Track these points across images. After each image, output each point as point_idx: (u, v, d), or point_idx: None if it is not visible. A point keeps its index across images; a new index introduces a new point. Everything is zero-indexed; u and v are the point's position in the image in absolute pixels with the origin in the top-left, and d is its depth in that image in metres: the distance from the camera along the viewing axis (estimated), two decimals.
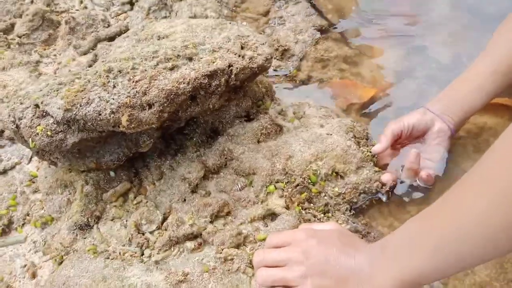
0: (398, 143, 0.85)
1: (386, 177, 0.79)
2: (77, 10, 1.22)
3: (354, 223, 0.76)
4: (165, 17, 1.19)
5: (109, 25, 1.18)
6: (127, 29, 1.17)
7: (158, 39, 0.82)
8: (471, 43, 1.05)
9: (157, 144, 0.85)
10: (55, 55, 1.13)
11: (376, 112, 0.96)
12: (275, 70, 1.03)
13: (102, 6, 1.24)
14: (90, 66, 0.86)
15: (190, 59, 0.73)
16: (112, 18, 1.22)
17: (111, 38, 1.14)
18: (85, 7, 1.23)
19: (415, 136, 0.83)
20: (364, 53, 1.06)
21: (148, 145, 0.79)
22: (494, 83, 0.78)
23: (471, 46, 1.05)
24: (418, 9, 1.14)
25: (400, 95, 0.98)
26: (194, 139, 0.85)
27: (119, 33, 1.16)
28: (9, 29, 1.17)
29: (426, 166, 0.80)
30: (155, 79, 0.69)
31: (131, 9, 1.24)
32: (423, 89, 0.99)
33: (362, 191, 0.79)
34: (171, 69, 0.71)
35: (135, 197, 0.80)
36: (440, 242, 0.50)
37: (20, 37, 1.14)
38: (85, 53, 1.11)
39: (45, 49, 1.14)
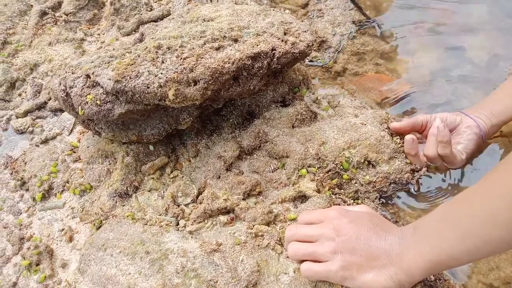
0: (424, 135, 0.86)
1: (409, 135, 0.79)
2: None
3: (383, 211, 0.77)
4: (207, 3, 1.22)
5: (151, 9, 1.22)
6: (169, 13, 1.21)
7: (204, 21, 0.85)
8: (507, 47, 1.06)
9: (195, 124, 0.88)
10: (98, 34, 1.18)
11: (409, 107, 0.97)
12: (311, 61, 1.05)
13: None
14: (136, 43, 0.89)
15: (236, 40, 0.76)
16: (155, 2, 1.26)
17: (153, 21, 1.18)
18: None
19: None
20: (400, 50, 1.08)
21: (187, 123, 0.82)
22: None
23: (508, 50, 1.05)
24: (456, 11, 1.14)
25: (434, 93, 0.99)
26: (231, 120, 0.87)
27: (161, 17, 1.20)
28: (57, 6, 1.22)
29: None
30: (202, 57, 0.72)
31: None
32: (457, 89, 1.00)
33: (392, 181, 0.80)
34: (217, 49, 0.74)
35: (171, 172, 0.83)
36: (470, 225, 0.51)
37: (67, 15, 1.19)
38: (128, 34, 1.15)
39: (89, 28, 1.19)
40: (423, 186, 0.83)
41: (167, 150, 0.86)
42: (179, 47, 0.73)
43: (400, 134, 0.86)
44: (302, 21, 1.14)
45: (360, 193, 0.79)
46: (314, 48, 1.07)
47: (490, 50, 1.06)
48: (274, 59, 0.77)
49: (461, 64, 1.04)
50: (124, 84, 0.70)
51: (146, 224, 0.73)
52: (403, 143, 0.84)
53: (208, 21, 0.85)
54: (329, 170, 0.79)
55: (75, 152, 0.93)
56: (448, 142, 0.76)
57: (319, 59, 1.06)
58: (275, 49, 0.77)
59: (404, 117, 0.95)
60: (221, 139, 0.86)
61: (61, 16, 1.19)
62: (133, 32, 1.17)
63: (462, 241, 0.52)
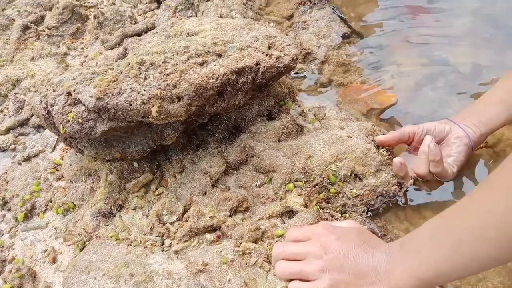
0: (412, 146, 0.85)
1: (397, 159, 0.79)
2: (105, 5, 1.25)
3: (370, 224, 0.77)
4: (191, 16, 1.21)
5: (136, 22, 1.21)
6: (153, 27, 1.20)
7: (188, 36, 0.84)
8: (491, 56, 1.06)
9: (180, 139, 0.87)
10: (82, 48, 1.16)
11: (395, 118, 0.97)
12: (297, 73, 1.05)
13: (130, 3, 1.27)
14: (119, 59, 0.88)
15: (220, 55, 0.75)
16: (139, 15, 1.25)
17: (137, 35, 1.17)
18: (113, 3, 1.26)
19: None
20: (385, 60, 1.08)
21: (172, 138, 0.81)
22: None
23: (491, 59, 1.06)
24: (440, 22, 1.15)
25: (420, 103, 0.99)
26: (216, 135, 0.86)
27: (146, 30, 1.19)
28: (39, 21, 1.20)
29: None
30: (186, 73, 0.71)
31: (158, 7, 1.27)
32: (442, 98, 1.00)
33: (379, 194, 0.80)
34: (201, 64, 0.73)
35: (156, 189, 0.81)
36: (458, 241, 0.51)
37: (49, 29, 1.18)
38: (111, 48, 1.14)
39: (72, 42, 1.17)
40: (410, 198, 0.82)
41: (152, 166, 0.85)
42: (162, 63, 0.73)
43: (387, 146, 0.86)
44: (287, 33, 1.15)
45: (348, 207, 0.78)
46: (300, 60, 1.06)
47: (474, 59, 1.06)
48: (259, 74, 0.76)
49: (445, 73, 1.05)
50: (106, 101, 0.69)
51: (130, 245, 0.71)
52: (389, 155, 0.84)
53: (192, 35, 0.84)
54: (316, 184, 0.78)
55: (58, 170, 0.91)
56: (440, 160, 0.76)
57: (304, 71, 1.05)
58: (259, 64, 0.76)
59: (391, 127, 0.95)
60: (207, 154, 0.85)
61: (44, 31, 1.18)
62: (117, 46, 1.16)
63: (449, 258, 0.51)
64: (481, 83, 1.01)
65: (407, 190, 0.82)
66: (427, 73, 1.04)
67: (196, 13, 1.21)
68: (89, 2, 1.26)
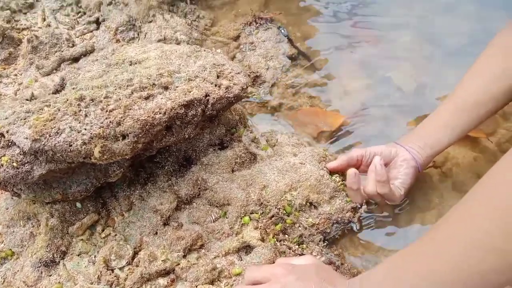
0: (361, 169, 0.86)
1: (352, 170, 0.79)
2: (39, 28, 1.17)
3: (328, 254, 0.76)
4: (133, 38, 1.16)
5: (73, 45, 1.15)
6: (92, 50, 1.14)
7: (130, 65, 0.80)
8: (432, 74, 1.10)
9: (126, 173, 0.82)
10: (15, 75, 1.08)
11: (345, 140, 0.98)
12: (247, 97, 1.03)
13: (67, 24, 1.20)
14: (57, 90, 0.82)
15: (166, 88, 0.72)
16: (77, 37, 1.18)
17: (75, 59, 1.11)
18: (49, 25, 1.19)
19: None
20: (332, 81, 1.09)
21: (117, 175, 0.76)
22: (459, 121, 0.81)
23: (432, 77, 1.10)
24: (382, 39, 1.18)
25: (367, 123, 1.01)
26: (166, 167, 0.83)
27: (85, 53, 1.12)
28: None
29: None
30: (130, 109, 0.67)
31: (97, 28, 1.20)
32: (388, 118, 1.02)
33: (335, 221, 0.79)
34: (146, 98, 0.69)
35: (103, 230, 0.76)
36: (415, 284, 0.51)
37: None
38: (48, 74, 1.07)
39: (4, 69, 1.09)
40: (364, 224, 0.83)
41: (96, 205, 0.80)
42: (104, 98, 0.68)
43: (338, 171, 0.86)
44: (234, 55, 1.13)
45: (305, 237, 0.77)
46: (249, 84, 1.05)
47: (417, 77, 1.10)
48: (209, 106, 0.73)
49: (390, 93, 1.07)
50: (43, 143, 0.64)
51: None
52: (342, 180, 0.84)
53: (135, 63, 0.80)
54: (272, 216, 0.76)
55: None
56: (386, 181, 0.77)
57: (254, 94, 1.04)
58: (209, 95, 0.73)
59: (341, 151, 0.95)
60: (157, 189, 0.81)
61: None
62: (54, 71, 1.09)
63: None
64: (424, 102, 1.04)
65: (361, 216, 0.82)
66: (372, 93, 1.06)
67: (138, 34, 1.17)
68: (22, 25, 1.18)
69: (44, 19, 1.21)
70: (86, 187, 0.75)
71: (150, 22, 1.15)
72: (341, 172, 0.85)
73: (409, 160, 0.82)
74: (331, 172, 0.85)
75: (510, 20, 0.85)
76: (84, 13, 1.23)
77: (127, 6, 1.16)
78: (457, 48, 1.14)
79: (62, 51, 1.11)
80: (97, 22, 1.20)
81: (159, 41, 1.12)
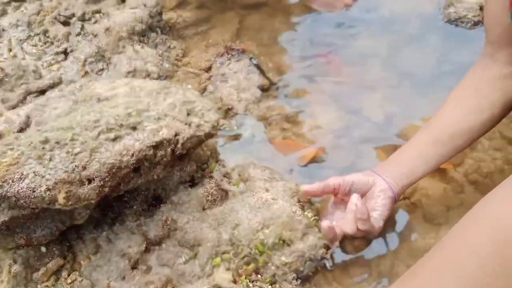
0: (338, 198, 0.86)
1: (325, 223, 0.79)
2: (5, 59, 1.14)
3: None
4: (102, 69, 1.14)
5: (41, 76, 1.12)
6: (60, 82, 1.11)
7: (98, 102, 0.79)
8: (401, 104, 1.12)
9: (93, 214, 0.80)
10: None
11: (317, 172, 0.98)
12: (219, 130, 1.02)
13: (34, 55, 1.17)
14: (21, 129, 0.80)
15: (134, 128, 0.71)
16: (44, 68, 1.15)
17: (42, 91, 1.08)
18: (15, 56, 1.15)
19: (357, 193, 0.82)
20: (304, 113, 1.09)
21: (84, 217, 0.74)
22: (435, 152, 0.82)
23: (401, 107, 1.12)
24: (353, 70, 1.20)
25: (339, 154, 1.02)
26: (134, 207, 0.81)
27: (52, 86, 1.10)
28: None
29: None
30: (96, 152, 0.66)
31: (65, 59, 1.18)
32: (359, 149, 1.03)
33: (308, 259, 0.79)
34: (114, 140, 0.68)
35: (69, 275, 0.73)
36: None
37: None
38: (13, 107, 1.03)
39: None
40: (337, 259, 0.82)
41: (62, 249, 0.77)
42: (70, 140, 0.66)
43: (313, 196, 0.85)
44: (206, 87, 1.12)
45: (277, 276, 0.76)
46: (221, 116, 1.04)
47: (386, 108, 1.12)
48: (178, 145, 0.72)
49: (360, 123, 1.09)
50: (5, 189, 0.62)
51: None
52: (315, 215, 0.84)
53: (103, 100, 0.78)
54: (245, 256, 0.75)
55: None
56: (368, 218, 0.77)
57: (226, 127, 1.03)
58: (178, 135, 0.72)
59: (313, 182, 0.95)
60: (125, 229, 0.78)
61: None
62: (20, 104, 1.05)
63: None
64: (394, 132, 1.06)
65: (334, 252, 0.82)
66: (343, 124, 1.07)
67: (107, 66, 1.15)
68: None
69: (10, 50, 1.18)
70: (51, 231, 0.72)
71: (120, 53, 1.14)
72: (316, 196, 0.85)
73: (386, 190, 0.82)
74: (304, 207, 0.85)
75: (480, 57, 0.89)
76: (52, 43, 1.20)
77: (96, 37, 1.15)
78: (425, 79, 1.17)
79: (29, 84, 1.08)
80: (65, 53, 1.18)
81: (129, 72, 1.11)
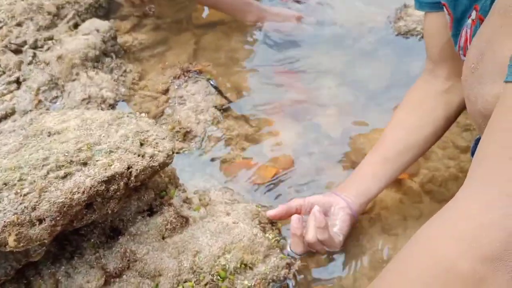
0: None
1: (294, 216, 0.82)
2: None
3: None
4: (56, 97, 1.12)
5: None
6: (13, 112, 1.09)
7: (49, 136, 0.77)
8: (356, 117, 1.15)
9: (50, 248, 0.78)
10: None
11: (278, 191, 0.99)
12: (177, 153, 1.02)
13: None
14: None
15: (85, 164, 0.69)
16: None
17: None
18: None
19: None
20: (263, 131, 1.11)
21: (40, 254, 0.72)
22: (385, 170, 0.87)
23: (357, 121, 1.14)
24: (309, 86, 1.22)
25: (299, 172, 1.03)
26: (92, 240, 0.79)
27: (5, 116, 1.08)
28: None
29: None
30: (46, 191, 0.64)
31: (18, 88, 1.15)
32: (318, 166, 1.05)
33: (271, 280, 0.79)
34: (64, 177, 0.67)
35: None
36: None
37: None
38: None
39: None
40: (300, 277, 0.83)
41: (20, 287, 0.75)
42: (18, 181, 0.65)
43: (278, 220, 0.87)
44: (164, 110, 1.12)
45: None
46: (180, 139, 1.04)
47: (342, 123, 1.14)
48: (132, 178, 0.72)
49: (319, 140, 1.11)
50: None
51: None
52: (275, 236, 0.85)
53: (54, 134, 0.77)
54: (207, 283, 0.75)
55: None
56: (326, 227, 0.80)
57: (185, 150, 1.03)
58: (131, 167, 0.72)
59: (274, 202, 0.96)
60: (84, 263, 0.77)
61: None
62: None
63: None
64: (352, 147, 1.08)
65: (296, 271, 0.82)
66: (303, 141, 1.09)
67: (62, 93, 1.13)
68: None
69: None
70: (6, 271, 0.70)
71: (74, 80, 1.12)
72: (284, 218, 0.86)
73: (345, 208, 0.85)
74: (265, 228, 0.85)
75: (422, 73, 0.92)
76: (4, 73, 1.18)
77: (49, 65, 1.13)
78: (378, 92, 1.20)
79: None
80: (18, 82, 1.15)
81: (83, 100, 1.09)
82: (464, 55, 0.73)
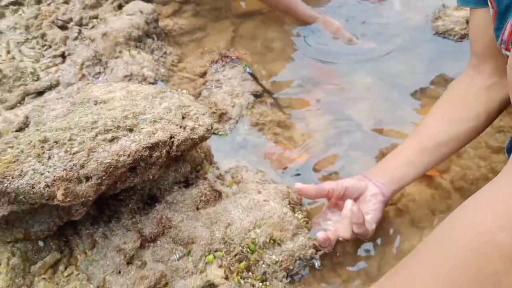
0: (332, 202, 0.89)
1: (321, 234, 0.81)
2: (3, 60, 1.16)
3: None
4: (99, 73, 1.17)
5: (38, 78, 1.14)
6: (58, 84, 1.14)
7: (95, 104, 0.81)
8: (388, 113, 1.16)
9: (90, 211, 0.82)
10: None
11: (308, 177, 1.01)
12: (213, 133, 1.05)
13: (32, 57, 1.19)
14: (20, 128, 0.82)
15: (131, 130, 0.73)
16: (42, 70, 1.18)
17: (40, 93, 1.10)
18: (13, 58, 1.18)
19: (350, 198, 0.85)
20: (295, 119, 1.13)
21: (81, 214, 0.76)
22: (422, 158, 0.86)
23: (389, 116, 1.15)
24: (343, 80, 1.24)
25: (329, 160, 1.05)
26: (130, 205, 0.83)
27: (49, 87, 1.12)
28: None
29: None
30: (94, 151, 0.68)
31: (63, 62, 1.20)
32: (348, 155, 1.06)
33: (298, 258, 0.81)
34: (111, 140, 0.70)
35: (65, 268, 0.75)
36: None
37: None
38: (11, 108, 1.06)
39: None
40: (326, 261, 0.85)
41: (59, 243, 0.79)
42: (68, 140, 0.68)
43: (304, 196, 0.88)
44: (200, 92, 1.15)
45: (268, 274, 0.78)
46: (215, 120, 1.07)
47: (375, 116, 1.15)
48: (173, 147, 0.75)
49: (351, 131, 1.12)
50: (5, 185, 0.63)
51: None
52: (305, 217, 0.87)
53: (100, 103, 0.81)
54: (236, 254, 0.77)
55: None
56: (363, 222, 0.79)
57: (220, 131, 1.06)
58: (173, 137, 0.75)
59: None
60: (121, 227, 0.80)
61: None
62: (18, 105, 1.08)
63: None
64: (383, 139, 1.09)
65: (323, 253, 0.84)
66: (334, 131, 1.11)
67: (104, 69, 1.18)
68: None
69: (8, 52, 1.20)
70: (49, 226, 0.74)
71: (117, 58, 1.17)
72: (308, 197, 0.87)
73: (377, 195, 0.85)
74: (295, 208, 0.88)
75: (466, 68, 0.92)
76: (50, 47, 1.23)
77: (94, 42, 1.18)
78: (412, 89, 1.21)
79: (27, 85, 1.11)
80: (63, 56, 1.21)
81: (125, 76, 1.13)
82: (507, 49, 0.73)
